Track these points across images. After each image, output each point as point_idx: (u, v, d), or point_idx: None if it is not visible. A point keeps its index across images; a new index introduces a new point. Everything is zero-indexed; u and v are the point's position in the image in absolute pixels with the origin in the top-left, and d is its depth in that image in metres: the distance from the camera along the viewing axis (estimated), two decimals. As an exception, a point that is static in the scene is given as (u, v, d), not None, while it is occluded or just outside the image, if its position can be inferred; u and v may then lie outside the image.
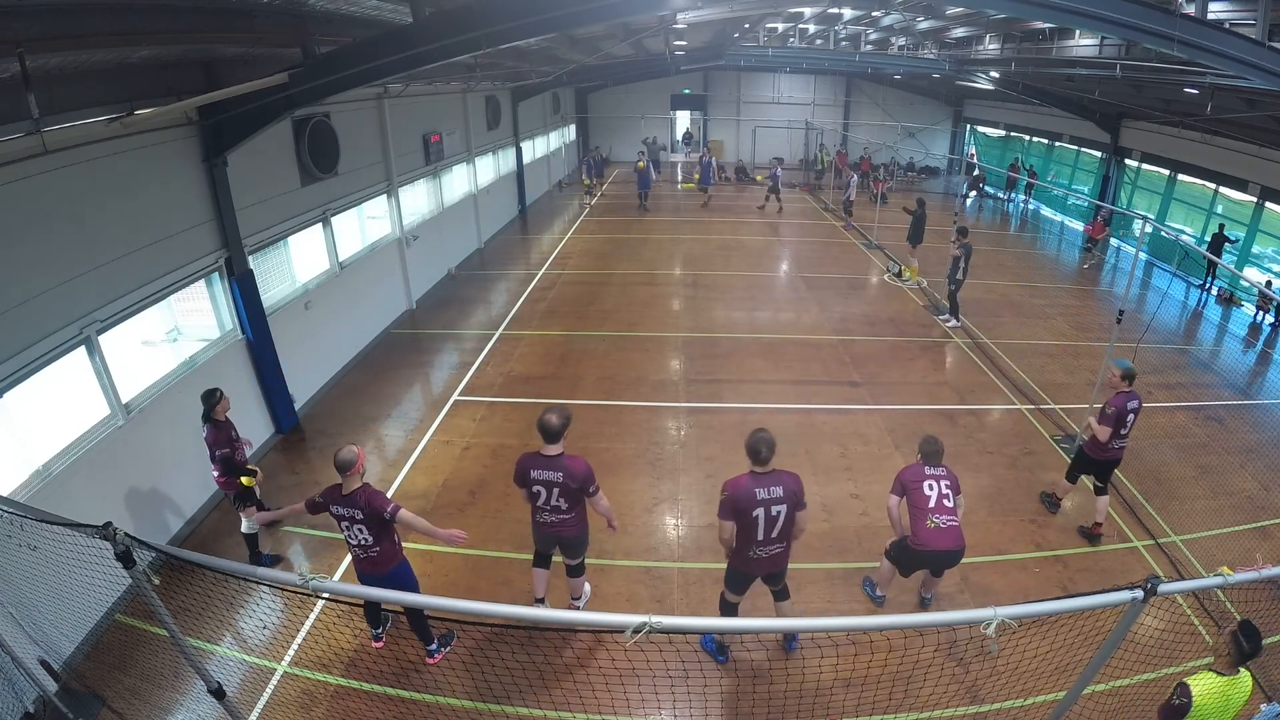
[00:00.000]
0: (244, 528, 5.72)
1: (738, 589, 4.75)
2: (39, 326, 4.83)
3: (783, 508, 4.23)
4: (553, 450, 4.51)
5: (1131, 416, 5.80)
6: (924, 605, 5.37)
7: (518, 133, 18.78)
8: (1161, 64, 9.72)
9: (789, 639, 5.05)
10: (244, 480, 5.50)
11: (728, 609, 4.86)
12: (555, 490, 4.53)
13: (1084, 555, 6.11)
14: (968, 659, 4.95)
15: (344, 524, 4.34)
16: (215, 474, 5.49)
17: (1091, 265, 15.90)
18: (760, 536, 4.30)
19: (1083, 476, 6.43)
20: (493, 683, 4.60)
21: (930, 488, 4.73)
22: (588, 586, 5.41)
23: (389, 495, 4.52)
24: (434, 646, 4.89)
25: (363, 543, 4.35)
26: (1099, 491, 6.24)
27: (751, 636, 4.95)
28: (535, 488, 4.56)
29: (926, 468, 4.82)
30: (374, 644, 5.02)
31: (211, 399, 5.38)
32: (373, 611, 4.98)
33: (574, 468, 4.51)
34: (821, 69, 26.16)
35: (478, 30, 5.75)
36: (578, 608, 5.18)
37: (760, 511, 4.20)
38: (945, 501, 4.71)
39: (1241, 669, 3.20)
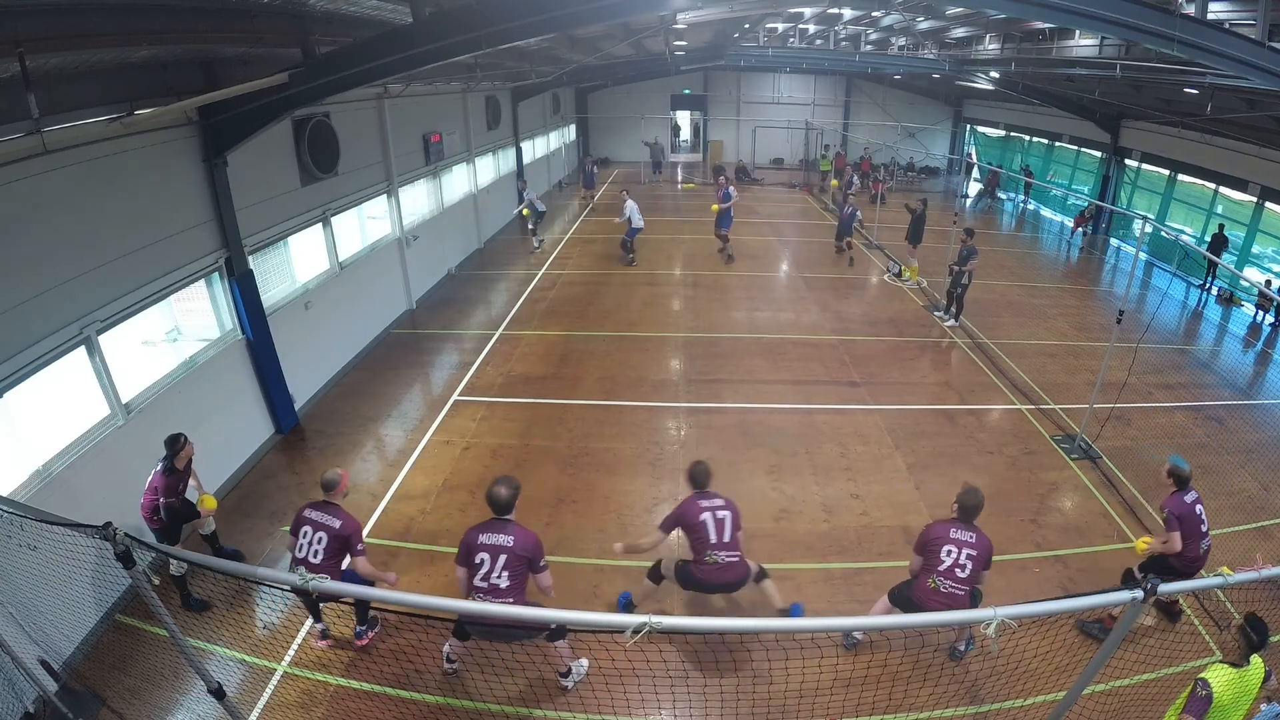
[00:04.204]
0: (204, 530, 5.73)
1: (684, 584, 4.94)
2: (39, 326, 4.83)
3: (727, 514, 4.68)
4: (505, 516, 4.21)
5: (1199, 508, 4.97)
6: None
7: (518, 133, 18.78)
8: (1161, 64, 9.72)
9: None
10: (207, 502, 5.27)
11: (655, 576, 5.11)
12: (501, 559, 4.06)
13: (1084, 555, 6.12)
14: (968, 659, 4.95)
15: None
16: (146, 512, 5.07)
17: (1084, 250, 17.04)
18: (713, 540, 4.65)
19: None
20: (493, 683, 4.61)
21: (949, 554, 4.41)
22: (584, 663, 4.77)
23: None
24: (362, 629, 5.01)
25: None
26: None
27: (752, 636, 4.94)
28: (479, 555, 4.07)
29: (953, 529, 4.47)
30: (319, 641, 5.02)
31: (175, 445, 5.02)
32: (314, 605, 4.99)
33: (525, 537, 4.14)
34: (821, 69, 26.16)
35: (478, 30, 5.75)
36: (566, 687, 4.66)
37: (707, 516, 4.66)
38: (959, 571, 4.40)
39: (1253, 658, 3.35)
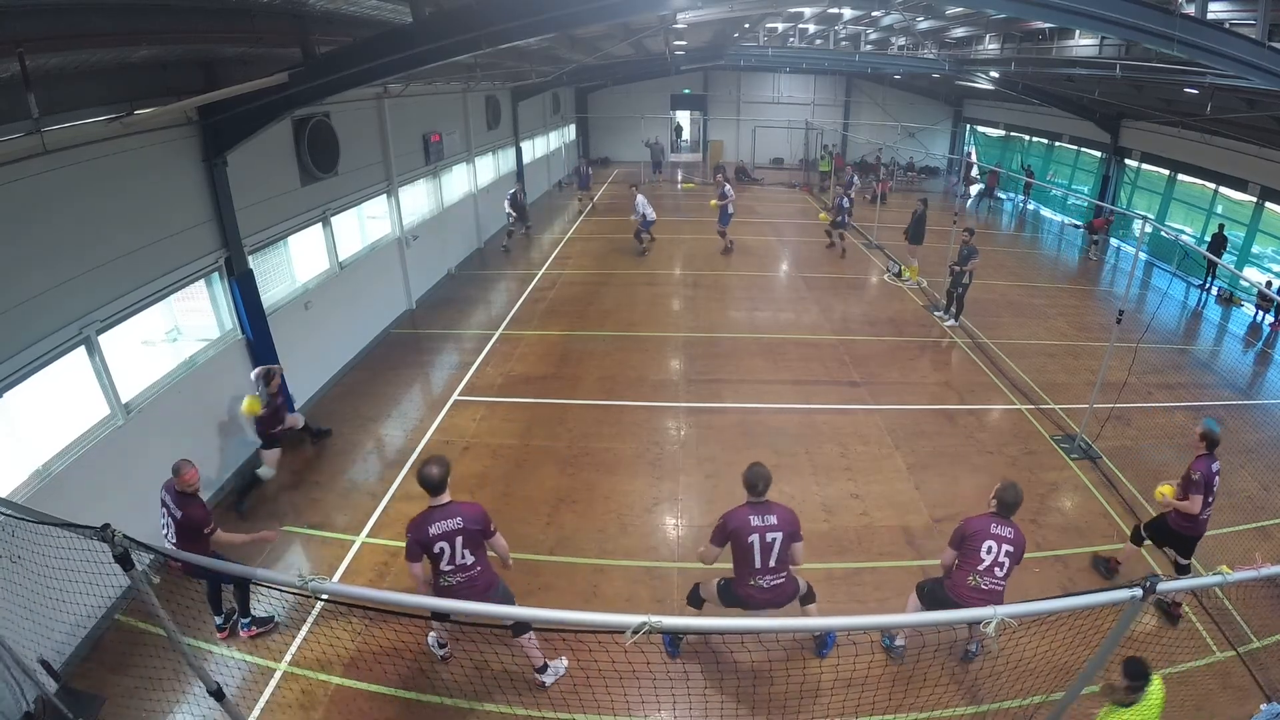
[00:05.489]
0: (262, 472, 6.66)
1: (727, 604, 4.66)
2: (39, 326, 4.83)
3: (778, 535, 4.32)
4: (443, 499, 4.22)
5: (1218, 478, 5.16)
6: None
7: (518, 133, 18.77)
8: (1161, 64, 9.72)
9: (821, 645, 5.03)
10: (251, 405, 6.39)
11: (695, 600, 4.88)
12: (459, 540, 4.16)
13: (1084, 555, 6.11)
14: (968, 659, 4.94)
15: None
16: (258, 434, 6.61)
17: (1094, 258, 16.73)
18: (758, 564, 4.35)
19: (1146, 547, 5.67)
20: (490, 683, 4.61)
21: (989, 551, 4.34)
22: (564, 662, 4.79)
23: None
24: (246, 620, 5.10)
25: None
26: (1181, 570, 5.50)
27: (752, 636, 4.94)
28: (438, 545, 4.14)
29: (994, 525, 4.39)
30: (218, 634, 5.11)
31: (269, 377, 6.50)
32: (215, 599, 5.16)
33: (471, 510, 4.25)
34: (821, 69, 26.15)
35: (478, 30, 5.75)
36: (545, 683, 4.67)
37: (755, 538, 4.28)
38: (998, 570, 4.34)
39: (1146, 687, 3.35)
